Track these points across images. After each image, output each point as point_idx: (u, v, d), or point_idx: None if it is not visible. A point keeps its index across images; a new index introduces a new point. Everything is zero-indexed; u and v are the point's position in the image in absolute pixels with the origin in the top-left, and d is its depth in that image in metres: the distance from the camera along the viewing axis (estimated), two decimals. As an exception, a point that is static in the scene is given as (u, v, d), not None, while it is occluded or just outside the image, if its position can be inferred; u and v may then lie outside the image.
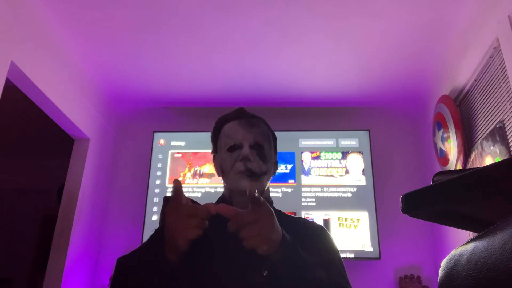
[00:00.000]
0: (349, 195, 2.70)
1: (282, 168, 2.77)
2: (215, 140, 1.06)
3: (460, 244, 0.37)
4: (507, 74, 1.73)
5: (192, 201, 0.83)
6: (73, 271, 2.46)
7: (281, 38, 2.30)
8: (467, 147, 2.17)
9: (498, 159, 1.85)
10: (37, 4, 2.05)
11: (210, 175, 2.78)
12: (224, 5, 2.06)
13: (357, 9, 2.07)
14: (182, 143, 2.89)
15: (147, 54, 2.46)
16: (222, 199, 1.03)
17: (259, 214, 0.74)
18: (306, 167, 2.78)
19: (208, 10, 2.09)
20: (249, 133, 0.99)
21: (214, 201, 1.05)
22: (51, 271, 2.36)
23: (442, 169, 2.41)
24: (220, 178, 1.05)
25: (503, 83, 1.80)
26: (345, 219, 2.64)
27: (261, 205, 0.75)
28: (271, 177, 1.05)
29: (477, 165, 2.05)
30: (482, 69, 2.00)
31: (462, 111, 2.26)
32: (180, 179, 2.77)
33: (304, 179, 2.75)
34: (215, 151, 1.07)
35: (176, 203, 0.77)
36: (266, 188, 1.03)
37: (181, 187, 0.78)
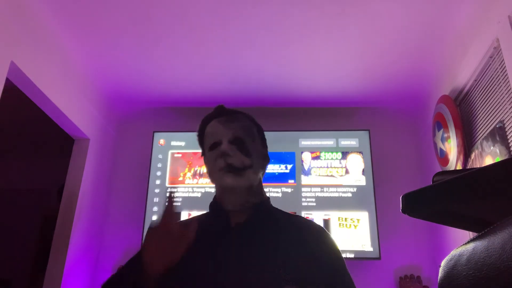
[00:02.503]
0: (349, 195, 2.70)
1: (282, 168, 2.77)
2: (201, 142, 1.07)
3: (460, 244, 0.37)
4: (507, 74, 1.73)
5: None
6: (73, 271, 2.45)
7: (281, 37, 2.30)
8: (467, 147, 2.17)
9: (498, 159, 1.85)
10: (37, 4, 2.05)
11: (210, 175, 2.77)
12: (224, 5, 2.06)
13: (357, 9, 2.07)
14: (182, 143, 2.89)
15: (147, 54, 2.46)
16: (214, 199, 1.04)
17: None
18: (306, 167, 2.78)
19: (207, 10, 2.09)
20: (227, 129, 0.99)
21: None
22: (51, 271, 2.36)
23: (442, 169, 2.41)
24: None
25: (503, 83, 1.80)
26: (345, 219, 2.64)
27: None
28: (261, 171, 1.03)
29: (477, 165, 2.05)
30: (482, 69, 2.00)
31: (462, 111, 2.26)
32: (180, 179, 2.77)
33: (304, 179, 2.75)
34: (203, 153, 1.07)
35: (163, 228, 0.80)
36: (256, 183, 1.00)
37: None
